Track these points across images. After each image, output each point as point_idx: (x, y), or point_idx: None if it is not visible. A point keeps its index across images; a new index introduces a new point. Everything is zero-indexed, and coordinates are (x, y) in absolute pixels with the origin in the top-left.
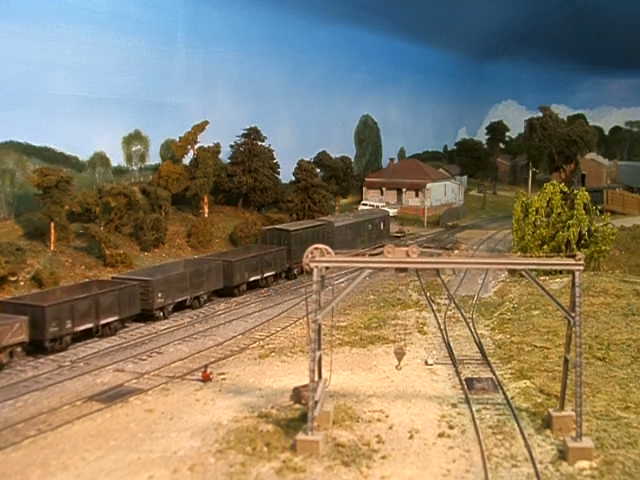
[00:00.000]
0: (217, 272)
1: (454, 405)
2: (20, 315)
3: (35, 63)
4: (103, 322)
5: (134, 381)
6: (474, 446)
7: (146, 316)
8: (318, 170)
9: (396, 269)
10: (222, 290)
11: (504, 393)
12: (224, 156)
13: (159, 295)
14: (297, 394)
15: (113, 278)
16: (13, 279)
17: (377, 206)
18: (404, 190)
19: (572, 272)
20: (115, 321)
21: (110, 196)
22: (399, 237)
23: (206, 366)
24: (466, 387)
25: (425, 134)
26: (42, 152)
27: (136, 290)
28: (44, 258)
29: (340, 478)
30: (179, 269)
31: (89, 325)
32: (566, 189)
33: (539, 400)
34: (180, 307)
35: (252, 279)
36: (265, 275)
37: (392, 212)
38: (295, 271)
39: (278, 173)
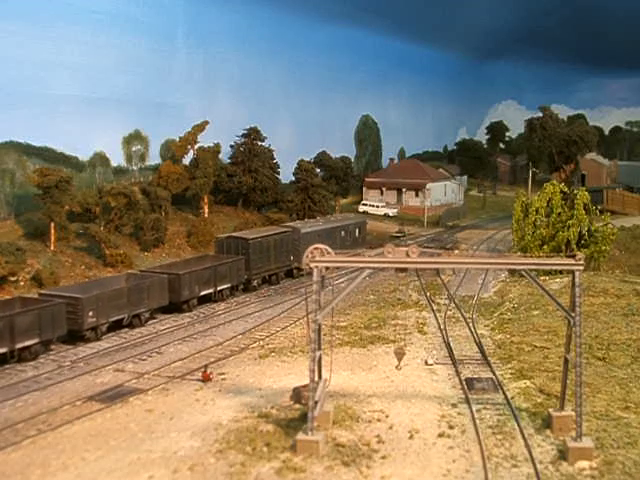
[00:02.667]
0: (161, 287)
1: (454, 405)
2: None
3: (35, 63)
4: (20, 346)
5: (134, 381)
6: (474, 446)
7: (75, 337)
8: (318, 170)
9: (396, 269)
10: (168, 306)
11: (504, 393)
12: (224, 156)
13: (90, 314)
14: (297, 394)
15: (40, 295)
16: (13, 279)
17: (378, 206)
18: (404, 190)
19: (572, 272)
20: (35, 344)
21: (110, 196)
22: (399, 237)
23: (206, 366)
24: (466, 387)
25: (425, 134)
26: (42, 152)
27: (61, 309)
28: (44, 258)
29: (340, 478)
30: (120, 283)
31: (2, 350)
32: (566, 189)
33: (539, 400)
34: (118, 326)
35: (203, 293)
36: (219, 288)
37: (392, 212)
38: (255, 283)
39: (278, 173)
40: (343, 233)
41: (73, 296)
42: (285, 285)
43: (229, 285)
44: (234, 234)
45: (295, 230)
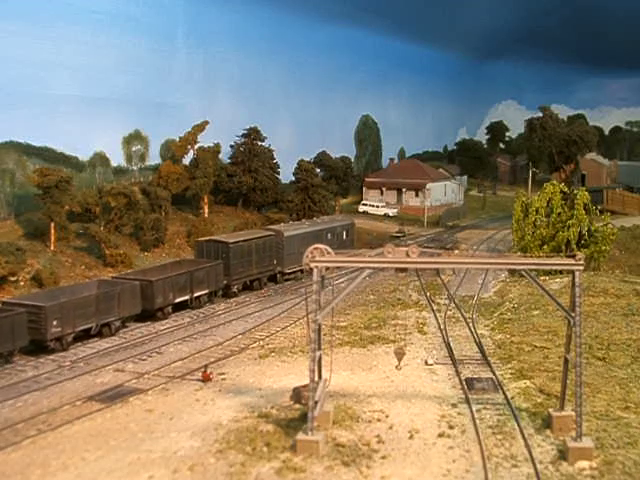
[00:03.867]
0: (133, 294)
1: (454, 405)
2: None
3: (35, 63)
4: None
5: (134, 381)
6: (474, 446)
7: (40, 348)
8: (318, 170)
9: (396, 269)
10: (141, 314)
11: (504, 393)
12: (224, 156)
13: (54, 323)
14: (297, 394)
15: (3, 303)
16: (13, 279)
17: (378, 206)
18: (404, 190)
19: (572, 272)
20: None
21: (110, 196)
22: (399, 237)
23: (206, 366)
24: (466, 387)
25: (425, 134)
26: (42, 152)
27: (22, 318)
28: (44, 258)
29: (340, 478)
30: (91, 290)
31: None
32: (566, 189)
33: (539, 400)
34: (88, 335)
35: (179, 300)
36: (196, 294)
37: (392, 212)
38: (235, 288)
39: (278, 173)
40: (329, 236)
41: (36, 305)
42: (285, 285)
43: (207, 291)
44: (214, 238)
45: (278, 233)
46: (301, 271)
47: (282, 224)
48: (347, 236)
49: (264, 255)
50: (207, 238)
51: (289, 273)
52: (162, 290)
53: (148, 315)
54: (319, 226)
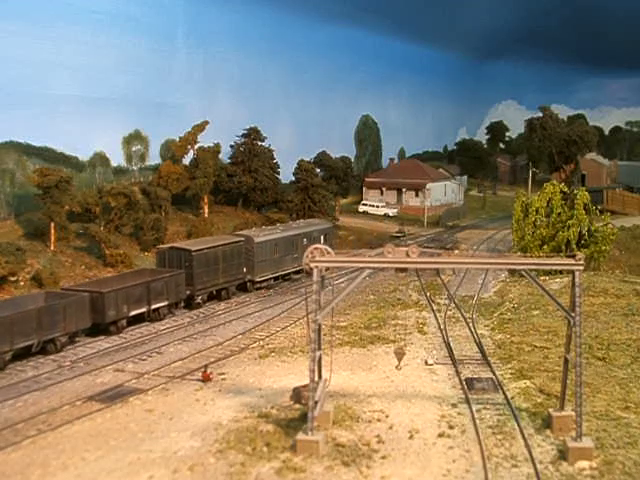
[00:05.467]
0: (81, 307)
1: (454, 405)
2: None
3: (35, 63)
4: None
5: (134, 381)
6: (474, 446)
7: None
8: (318, 170)
9: (396, 269)
10: (92, 328)
11: (504, 393)
12: (224, 156)
13: None
14: (297, 394)
15: None
16: (13, 279)
17: (378, 206)
18: (404, 190)
19: (572, 272)
20: None
21: (110, 196)
22: (399, 237)
23: (206, 366)
24: (466, 387)
25: (425, 134)
26: (42, 152)
27: None
28: (44, 258)
29: (340, 478)
30: (37, 303)
31: None
32: (566, 189)
33: (539, 400)
34: (29, 353)
35: (135, 313)
36: (154, 307)
37: (392, 212)
38: (199, 299)
39: (278, 173)
40: (306, 241)
41: None
42: (285, 285)
43: (166, 303)
44: (176, 245)
45: (248, 239)
46: (275, 279)
47: (253, 229)
48: (325, 241)
49: (232, 263)
50: (169, 245)
51: (261, 282)
52: (115, 302)
53: (101, 330)
54: (294, 231)
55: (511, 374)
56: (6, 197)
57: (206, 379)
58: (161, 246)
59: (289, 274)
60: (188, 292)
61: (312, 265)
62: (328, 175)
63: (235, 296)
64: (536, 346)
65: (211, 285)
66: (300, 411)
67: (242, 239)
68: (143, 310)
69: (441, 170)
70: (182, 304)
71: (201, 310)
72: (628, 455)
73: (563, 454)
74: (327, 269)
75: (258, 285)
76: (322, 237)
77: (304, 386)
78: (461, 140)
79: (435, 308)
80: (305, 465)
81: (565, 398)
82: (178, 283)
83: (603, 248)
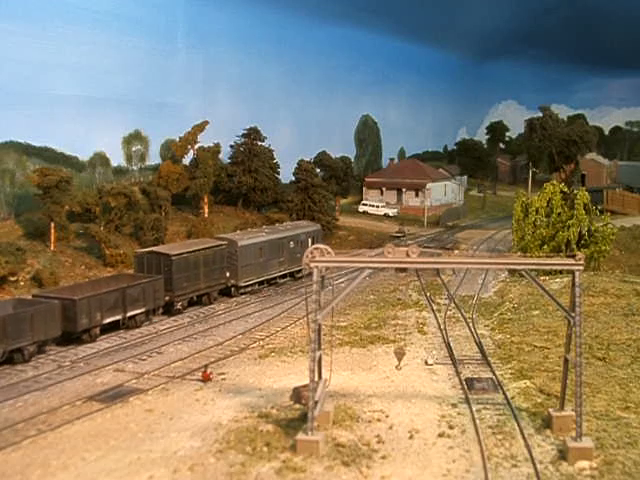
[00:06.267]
0: (50, 315)
1: (454, 405)
2: None
3: (35, 63)
4: None
5: (134, 381)
6: (474, 446)
7: None
8: (318, 170)
9: (396, 269)
10: (65, 336)
11: (504, 393)
12: (224, 156)
13: None
14: (297, 394)
15: None
16: (13, 279)
17: (378, 206)
18: (404, 190)
19: (572, 272)
20: None
21: (110, 196)
22: (399, 237)
23: (206, 366)
24: (466, 387)
25: (425, 134)
26: (42, 152)
27: None
28: (44, 258)
29: (340, 478)
30: (5, 311)
31: None
32: (566, 189)
33: (539, 400)
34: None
35: (109, 320)
36: (130, 314)
37: (392, 212)
38: (179, 305)
39: (278, 173)
40: (292, 244)
41: None
42: (285, 285)
43: (143, 310)
44: (155, 249)
45: (232, 243)
46: (259, 283)
47: (238, 232)
48: (313, 244)
49: (214, 267)
50: (147, 250)
51: (245, 286)
52: (87, 310)
53: (73, 338)
54: (280, 234)
55: (511, 374)
56: (6, 197)
57: (206, 379)
58: (139, 250)
59: (275, 278)
60: (167, 298)
61: (312, 265)
62: (328, 175)
63: (216, 301)
64: (536, 346)
65: (191, 291)
66: (300, 411)
67: (225, 243)
68: (118, 317)
69: (441, 170)
70: (160, 311)
71: (201, 310)
72: (628, 455)
73: (563, 454)
74: (327, 269)
75: (242, 290)
76: (310, 240)
77: (304, 386)
78: (461, 140)
79: (435, 308)
80: (305, 465)
81: (565, 398)
82: (156, 289)
83: (603, 248)
